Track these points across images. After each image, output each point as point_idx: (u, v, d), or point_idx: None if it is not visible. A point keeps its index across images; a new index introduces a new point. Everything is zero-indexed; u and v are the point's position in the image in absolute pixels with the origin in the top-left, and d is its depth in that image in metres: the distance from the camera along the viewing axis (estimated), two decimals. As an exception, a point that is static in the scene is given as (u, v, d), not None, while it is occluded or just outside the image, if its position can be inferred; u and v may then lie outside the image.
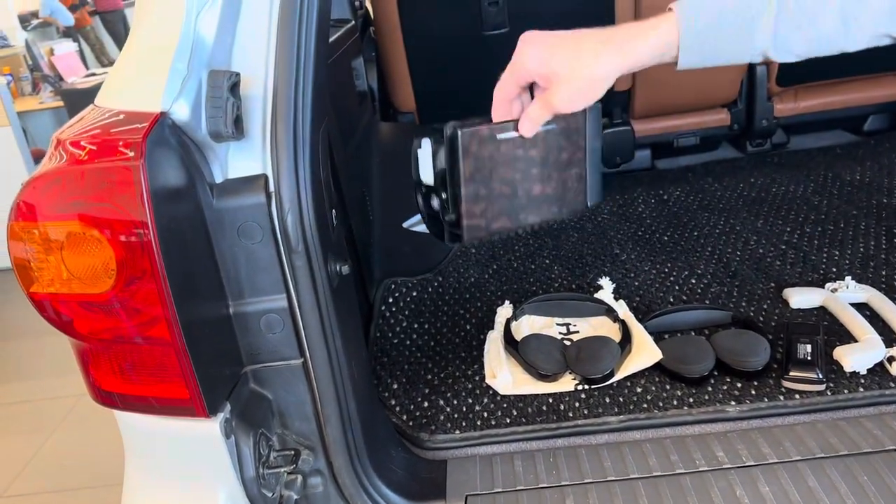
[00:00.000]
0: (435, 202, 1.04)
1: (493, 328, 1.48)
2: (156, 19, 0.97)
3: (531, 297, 1.55)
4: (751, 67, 2.30)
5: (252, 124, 0.97)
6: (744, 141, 2.47)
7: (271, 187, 0.96)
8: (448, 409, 1.30)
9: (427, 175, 1.04)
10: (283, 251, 0.97)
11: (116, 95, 0.95)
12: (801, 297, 1.44)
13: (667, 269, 1.69)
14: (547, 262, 1.81)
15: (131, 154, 0.83)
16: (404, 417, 1.30)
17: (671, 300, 1.55)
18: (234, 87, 0.93)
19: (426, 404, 1.32)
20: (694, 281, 1.62)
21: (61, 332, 0.91)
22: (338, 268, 1.05)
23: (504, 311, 1.51)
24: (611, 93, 2.32)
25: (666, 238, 1.85)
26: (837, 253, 1.65)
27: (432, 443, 1.25)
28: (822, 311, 1.42)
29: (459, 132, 0.93)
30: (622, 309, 1.46)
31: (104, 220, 0.83)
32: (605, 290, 1.53)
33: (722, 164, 2.40)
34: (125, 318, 0.88)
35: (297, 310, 0.99)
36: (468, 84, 2.25)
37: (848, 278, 1.46)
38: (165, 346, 0.88)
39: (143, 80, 0.92)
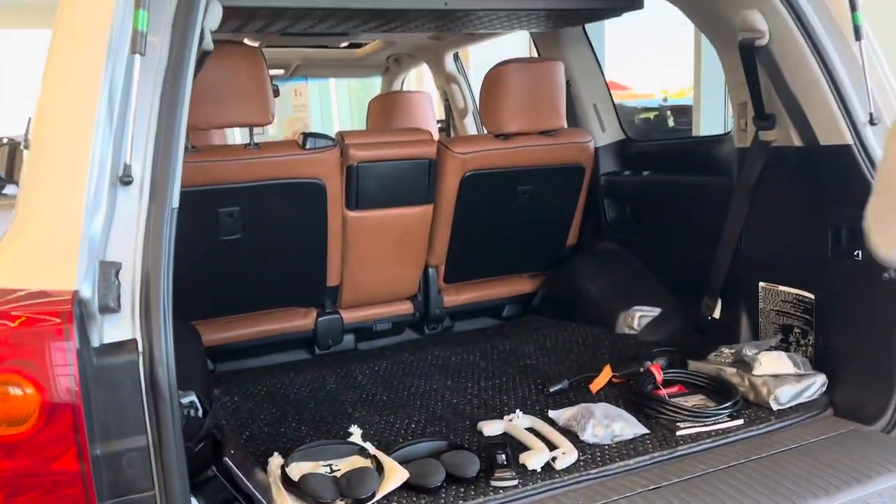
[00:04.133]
0: None
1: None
2: (45, 215, 1.24)
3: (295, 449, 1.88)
4: (426, 269, 3.03)
5: (124, 300, 1.26)
6: (422, 326, 3.15)
7: (140, 348, 1.24)
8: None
9: None
10: (146, 399, 1.24)
11: (16, 276, 1.18)
12: (490, 427, 2.02)
13: (391, 420, 2.16)
14: (293, 424, 2.15)
15: (59, 320, 1.09)
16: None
17: (401, 439, 2.01)
18: (117, 273, 1.24)
19: None
20: (413, 425, 2.11)
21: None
22: (185, 411, 1.33)
23: (275, 460, 1.82)
24: (323, 287, 2.82)
25: (385, 398, 2.34)
26: (507, 397, 2.29)
27: None
28: (505, 435, 2.00)
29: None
30: (371, 447, 1.87)
31: (33, 375, 1.05)
32: (356, 435, 1.94)
33: (410, 343, 3.03)
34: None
35: (157, 447, 1.24)
36: (205, 284, 2.59)
37: (518, 411, 2.08)
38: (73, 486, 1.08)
39: (49, 265, 1.18)
